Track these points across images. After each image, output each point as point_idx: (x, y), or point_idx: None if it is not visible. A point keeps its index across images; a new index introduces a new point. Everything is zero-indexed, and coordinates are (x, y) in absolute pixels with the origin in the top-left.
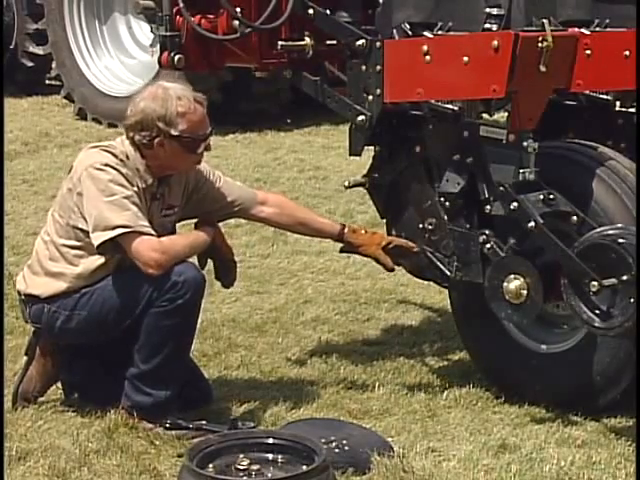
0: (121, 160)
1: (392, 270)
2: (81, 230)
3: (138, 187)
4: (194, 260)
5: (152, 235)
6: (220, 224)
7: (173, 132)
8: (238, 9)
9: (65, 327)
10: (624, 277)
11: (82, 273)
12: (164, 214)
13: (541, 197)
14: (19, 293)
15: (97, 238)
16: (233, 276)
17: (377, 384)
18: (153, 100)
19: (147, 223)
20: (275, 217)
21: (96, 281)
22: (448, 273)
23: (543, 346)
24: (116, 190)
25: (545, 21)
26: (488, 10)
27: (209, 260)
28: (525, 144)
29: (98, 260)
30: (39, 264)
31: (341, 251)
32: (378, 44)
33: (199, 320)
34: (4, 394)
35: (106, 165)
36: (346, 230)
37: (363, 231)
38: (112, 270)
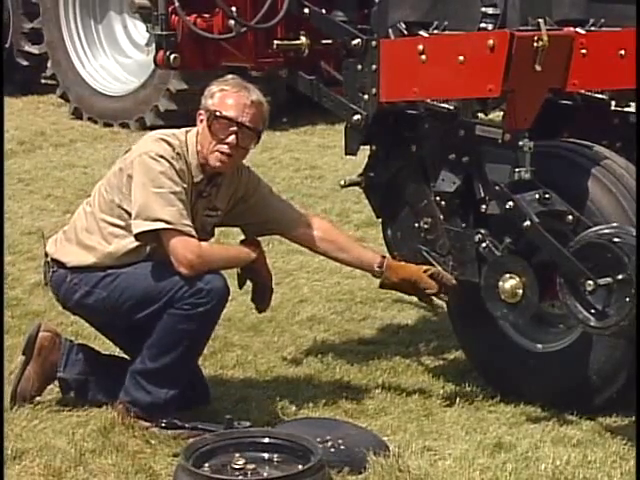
0: (177, 154)
1: (431, 297)
2: (125, 211)
3: (188, 183)
4: (224, 272)
5: (193, 236)
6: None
7: (206, 103)
8: (234, 8)
9: (82, 302)
10: (620, 276)
11: (113, 253)
12: (207, 214)
13: (537, 196)
14: (46, 255)
15: (138, 226)
16: (267, 301)
17: (373, 383)
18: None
19: (190, 222)
20: (317, 241)
21: (124, 264)
22: None
23: (539, 345)
24: (166, 183)
25: (540, 20)
26: (484, 9)
27: (248, 281)
28: (521, 143)
29: (131, 244)
30: (74, 232)
31: (381, 286)
32: (374, 43)
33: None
34: (3, 393)
35: (161, 157)
36: (386, 260)
37: (402, 263)
38: (143, 257)
